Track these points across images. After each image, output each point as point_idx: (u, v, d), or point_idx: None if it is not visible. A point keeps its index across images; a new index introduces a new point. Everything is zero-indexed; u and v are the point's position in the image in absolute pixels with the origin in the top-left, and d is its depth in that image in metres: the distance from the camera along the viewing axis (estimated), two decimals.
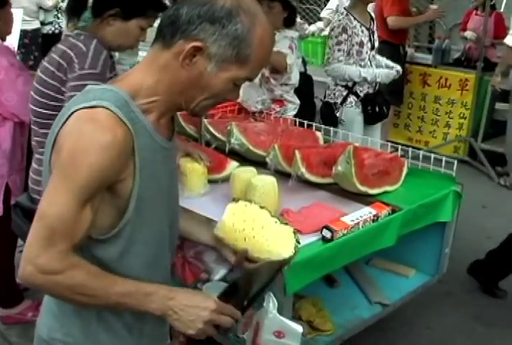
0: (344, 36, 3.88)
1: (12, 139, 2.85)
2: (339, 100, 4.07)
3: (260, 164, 2.56)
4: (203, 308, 1.30)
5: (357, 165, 2.37)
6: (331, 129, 3.10)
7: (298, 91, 3.81)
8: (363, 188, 2.42)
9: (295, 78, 3.66)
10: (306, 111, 4.06)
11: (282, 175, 2.44)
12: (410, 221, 2.41)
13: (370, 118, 4.11)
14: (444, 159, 2.67)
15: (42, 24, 6.90)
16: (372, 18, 4.12)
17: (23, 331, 3.05)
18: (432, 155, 2.74)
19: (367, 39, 3.99)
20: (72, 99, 1.31)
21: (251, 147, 2.63)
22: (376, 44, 4.12)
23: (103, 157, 1.19)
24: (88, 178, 1.20)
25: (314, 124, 3.19)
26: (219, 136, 2.82)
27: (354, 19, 3.93)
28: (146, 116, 1.29)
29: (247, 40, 1.26)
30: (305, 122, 3.20)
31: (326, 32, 6.66)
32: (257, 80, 3.57)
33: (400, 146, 2.87)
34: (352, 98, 4.05)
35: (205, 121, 2.90)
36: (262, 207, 1.56)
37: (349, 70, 3.91)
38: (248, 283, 1.44)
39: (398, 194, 2.54)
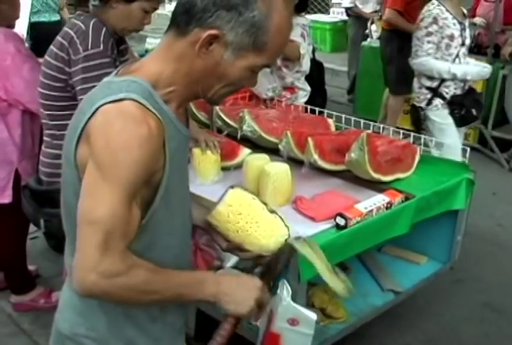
0: (435, 27, 3.67)
1: (22, 126, 2.84)
2: (423, 104, 3.86)
3: (272, 151, 2.55)
4: (252, 287, 1.35)
5: (370, 152, 2.35)
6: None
7: (308, 78, 3.78)
8: (376, 175, 2.41)
9: (306, 65, 3.62)
10: (317, 98, 4.03)
11: (294, 162, 2.44)
12: (424, 208, 2.40)
13: (457, 121, 3.81)
14: None
15: None
16: (464, 14, 3.86)
17: (35, 318, 3.06)
18: (444, 142, 2.72)
19: (459, 33, 3.73)
20: (92, 93, 1.27)
21: (263, 134, 2.62)
22: (467, 41, 3.84)
23: (143, 152, 1.16)
24: (133, 175, 1.17)
25: (326, 111, 3.17)
26: (231, 122, 2.81)
27: (446, 10, 3.70)
28: (168, 106, 1.27)
29: (264, 27, 1.23)
30: (317, 109, 3.19)
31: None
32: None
33: (412, 133, 2.86)
34: (437, 101, 3.80)
35: (216, 108, 2.88)
36: (254, 198, 1.55)
37: (438, 64, 3.71)
38: (276, 264, 1.49)
39: (411, 181, 2.54)
